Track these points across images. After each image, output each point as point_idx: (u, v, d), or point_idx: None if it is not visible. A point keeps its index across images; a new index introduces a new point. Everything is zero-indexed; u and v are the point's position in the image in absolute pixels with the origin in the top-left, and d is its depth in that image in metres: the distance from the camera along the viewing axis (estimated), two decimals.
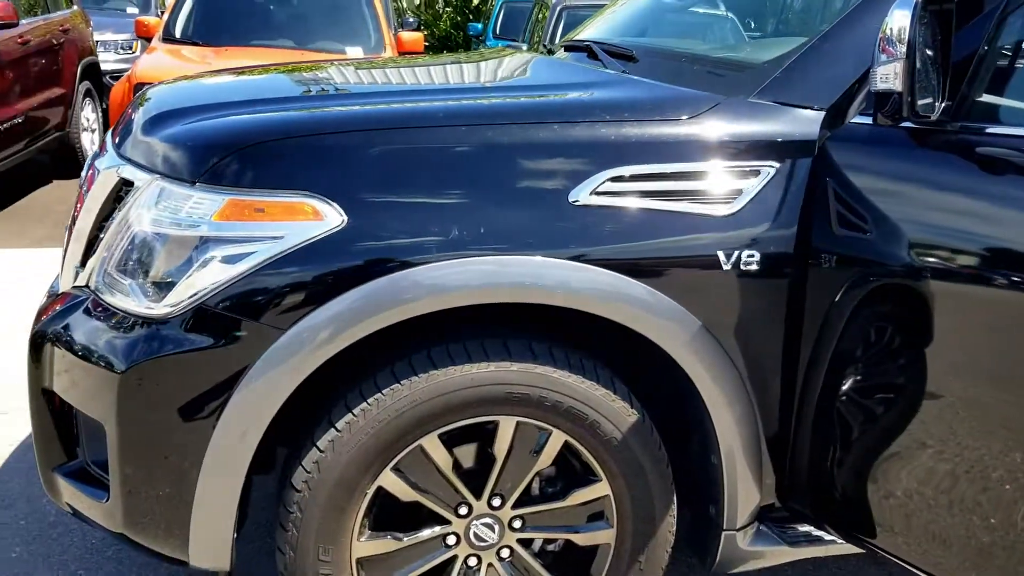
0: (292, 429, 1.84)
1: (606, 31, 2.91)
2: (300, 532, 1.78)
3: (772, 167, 1.82)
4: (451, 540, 1.89)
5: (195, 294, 1.66)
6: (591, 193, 1.76)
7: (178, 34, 6.47)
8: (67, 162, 7.18)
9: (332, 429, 1.75)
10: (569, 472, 1.94)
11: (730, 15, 3.04)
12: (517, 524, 1.92)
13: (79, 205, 2.05)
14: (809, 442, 1.94)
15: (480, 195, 1.73)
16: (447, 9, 17.25)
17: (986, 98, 1.67)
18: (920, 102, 1.59)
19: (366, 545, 1.84)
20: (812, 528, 2.04)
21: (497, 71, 2.46)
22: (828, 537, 2.01)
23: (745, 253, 1.81)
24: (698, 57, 2.30)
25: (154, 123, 1.91)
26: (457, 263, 1.70)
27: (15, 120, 6.05)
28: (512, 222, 1.73)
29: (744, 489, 1.94)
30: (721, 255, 1.80)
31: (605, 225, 1.77)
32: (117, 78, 7.40)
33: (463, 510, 1.88)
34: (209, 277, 1.66)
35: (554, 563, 1.99)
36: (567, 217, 1.75)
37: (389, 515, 1.88)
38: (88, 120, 7.62)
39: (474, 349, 1.78)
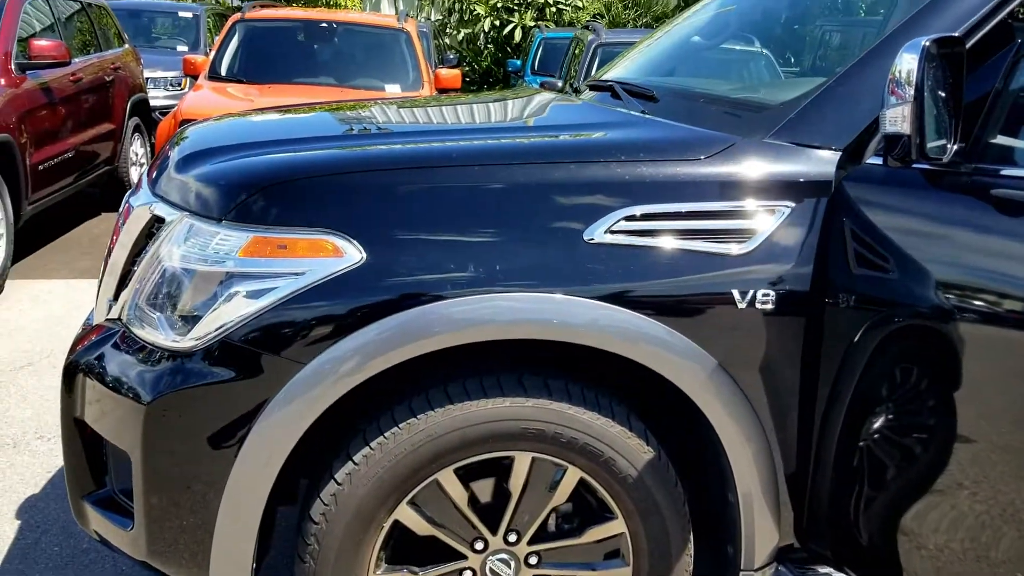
0: (314, 461, 1.88)
1: (634, 70, 2.95)
2: (317, 564, 1.81)
3: (787, 207, 1.84)
4: (467, 575, 1.91)
5: (219, 328, 1.72)
6: (606, 232, 1.79)
7: (223, 72, 6.66)
8: (116, 195, 7.39)
9: (350, 462, 1.79)
10: (585, 509, 1.95)
11: (765, 52, 3.06)
12: (533, 560, 1.93)
13: (114, 239, 2.13)
14: (829, 483, 1.93)
15: (496, 233, 1.76)
16: (488, 46, 17.48)
17: (1000, 140, 1.67)
18: (931, 144, 1.60)
19: None
20: (832, 570, 2.02)
21: (518, 112, 2.51)
22: None
23: (760, 292, 1.82)
24: (717, 98, 2.32)
25: (186, 162, 1.98)
26: (484, 298, 1.73)
27: (66, 154, 6.26)
28: (528, 260, 1.76)
29: (762, 529, 1.94)
30: (736, 294, 1.82)
31: (620, 263, 1.79)
32: (165, 114, 7.62)
33: (479, 545, 1.89)
34: (233, 312, 1.72)
35: None
36: (583, 255, 1.78)
37: (406, 549, 1.90)
38: (136, 155, 7.85)
39: (490, 384, 1.81)
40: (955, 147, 1.63)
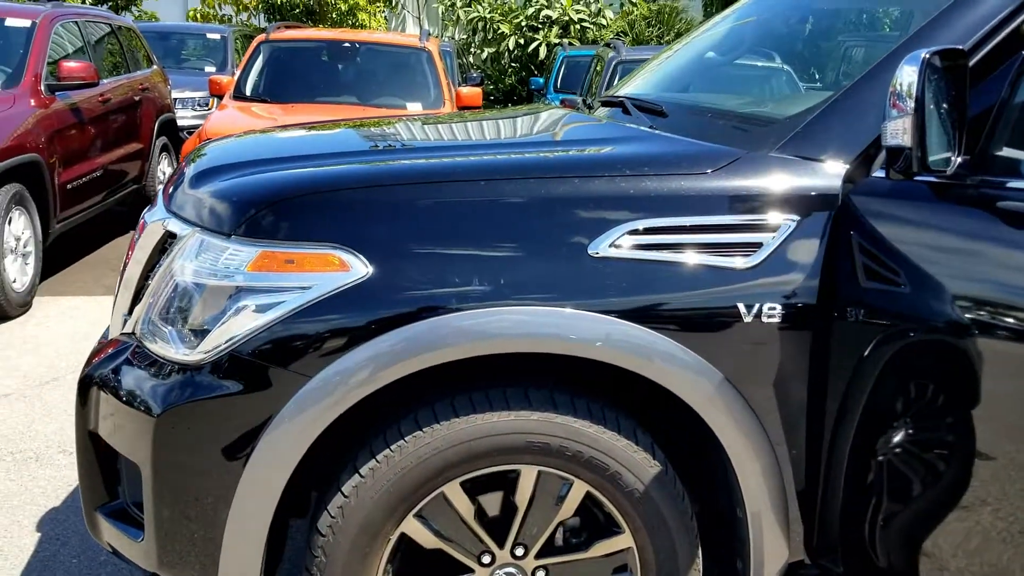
0: (324, 474, 1.90)
1: (648, 86, 2.96)
2: None
3: (793, 220, 1.84)
4: None
5: (227, 341, 1.74)
6: (610, 246, 1.80)
7: (248, 92, 6.75)
8: None
9: (357, 475, 1.80)
10: (593, 523, 1.94)
11: (786, 67, 3.06)
12: (540, 574, 1.93)
13: (130, 254, 2.17)
14: (840, 498, 1.91)
15: (501, 248, 1.78)
16: (513, 64, 17.58)
17: (1006, 152, 1.66)
18: (934, 157, 1.59)
19: None
20: None
21: (526, 128, 2.53)
22: None
23: (767, 306, 1.82)
24: (724, 112, 2.33)
25: (198, 179, 2.01)
26: (499, 311, 1.74)
27: (94, 173, 6.37)
28: (532, 274, 1.77)
29: (771, 545, 1.92)
30: (742, 307, 1.81)
31: (625, 278, 1.80)
32: (192, 133, 7.74)
33: (486, 559, 1.90)
34: (241, 325, 1.74)
35: None
36: (587, 269, 1.79)
37: (413, 562, 1.91)
38: (164, 173, 7.97)
39: (496, 398, 1.82)
40: (959, 159, 1.63)
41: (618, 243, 1.80)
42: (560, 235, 1.80)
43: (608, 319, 1.76)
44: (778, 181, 1.86)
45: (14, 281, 5.11)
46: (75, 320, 5.11)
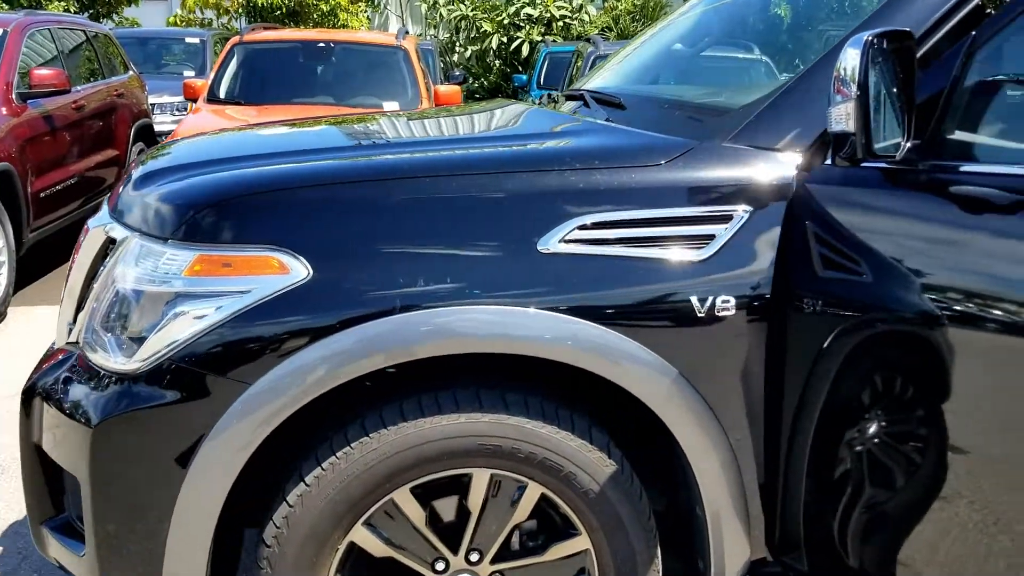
0: (272, 484, 1.85)
1: (616, 78, 2.91)
2: None
3: (746, 211, 1.79)
4: None
5: (164, 348, 1.69)
6: (560, 241, 1.75)
7: (222, 95, 6.69)
8: None
9: (302, 483, 1.75)
10: (549, 526, 1.90)
11: (763, 57, 3.02)
12: None
13: (74, 259, 2.11)
14: (803, 495, 1.87)
15: (447, 246, 1.73)
16: (497, 62, 17.53)
17: (957, 136, 1.62)
18: (882, 143, 1.55)
19: None
20: None
21: (481, 124, 2.48)
22: None
23: (720, 299, 1.77)
24: (682, 103, 2.28)
25: (139, 183, 1.96)
26: (460, 310, 1.69)
27: (68, 181, 6.30)
28: (480, 273, 1.73)
29: (732, 543, 1.88)
30: (695, 301, 1.77)
31: (576, 273, 1.76)
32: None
33: (440, 565, 1.85)
34: (178, 332, 1.69)
35: None
36: (537, 266, 1.74)
37: (365, 571, 1.86)
38: None
39: (445, 400, 1.77)
40: (908, 144, 1.58)
41: (568, 238, 1.75)
42: (508, 232, 1.75)
43: (554, 316, 1.72)
44: (730, 172, 1.82)
45: None
46: (49, 330, 5.04)
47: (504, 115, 2.54)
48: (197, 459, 1.68)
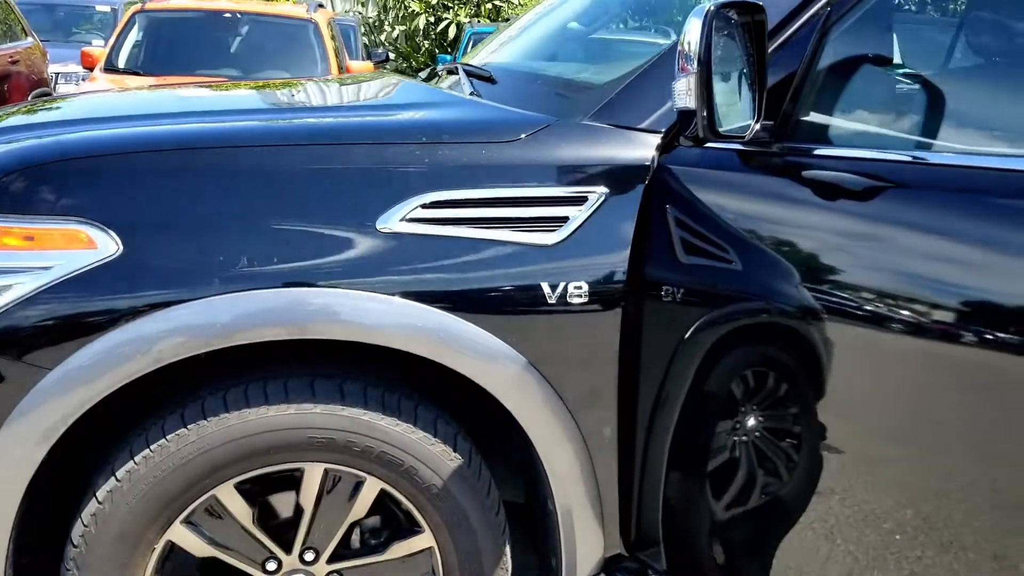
0: (83, 479, 1.70)
1: (503, 54, 2.79)
2: None
3: (602, 193, 1.70)
4: None
5: None
6: (401, 220, 1.63)
7: (121, 64, 6.39)
8: None
9: (113, 479, 1.61)
10: (393, 523, 1.79)
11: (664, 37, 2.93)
12: None
13: None
14: (662, 490, 1.79)
15: (274, 222, 1.60)
16: (425, 42, 17.27)
17: (812, 117, 1.55)
18: (729, 124, 1.46)
19: None
20: None
21: (342, 94, 2.34)
22: None
23: (572, 285, 1.68)
24: (548, 79, 2.18)
25: None
26: (258, 295, 1.57)
27: None
28: (311, 251, 1.60)
29: (585, 539, 1.80)
30: (546, 287, 1.67)
31: (417, 254, 1.64)
32: None
33: (271, 565, 1.72)
34: None
35: None
36: (374, 246, 1.62)
37: (195, 571, 1.73)
38: None
39: (274, 390, 1.64)
40: (758, 125, 1.50)
41: (409, 217, 1.64)
42: (344, 208, 1.63)
43: (389, 300, 1.60)
44: (586, 151, 1.72)
45: None
46: None
47: (370, 88, 2.40)
48: None
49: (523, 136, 1.73)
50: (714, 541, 1.82)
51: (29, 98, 7.24)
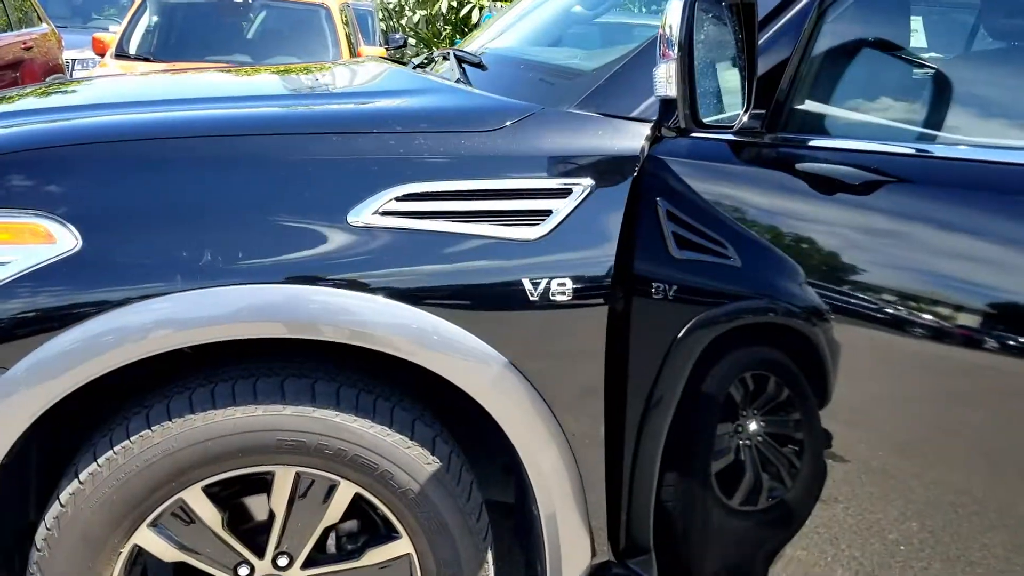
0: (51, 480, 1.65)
1: (509, 39, 2.70)
2: None
3: (588, 185, 1.62)
4: None
5: None
6: (374, 213, 1.56)
7: (132, 51, 6.35)
8: None
9: (76, 481, 1.55)
10: (370, 528, 1.73)
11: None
12: None
13: None
14: (653, 496, 1.71)
15: (237, 216, 1.53)
16: (446, 28, 17.14)
17: (808, 106, 1.45)
18: (716, 113, 1.37)
19: None
20: None
21: (327, 80, 2.27)
22: None
23: (556, 281, 1.60)
24: (537, 65, 2.09)
25: None
26: (230, 290, 1.50)
27: None
28: (278, 246, 1.53)
29: (571, 545, 1.72)
30: (528, 284, 1.59)
31: (391, 249, 1.57)
32: None
33: (244, 571, 1.66)
34: None
35: None
36: (346, 240, 1.55)
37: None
38: None
39: (243, 390, 1.58)
40: (747, 115, 1.41)
41: (384, 210, 1.56)
42: (312, 200, 1.56)
43: (360, 296, 1.53)
44: (571, 140, 1.64)
45: None
46: None
47: (350, 75, 2.33)
48: None
49: (505, 125, 1.65)
50: (708, 550, 1.74)
51: None
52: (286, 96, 2.08)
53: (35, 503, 1.68)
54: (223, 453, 1.56)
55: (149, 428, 1.55)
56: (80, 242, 1.48)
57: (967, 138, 1.44)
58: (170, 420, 1.55)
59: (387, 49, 8.98)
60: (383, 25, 14.20)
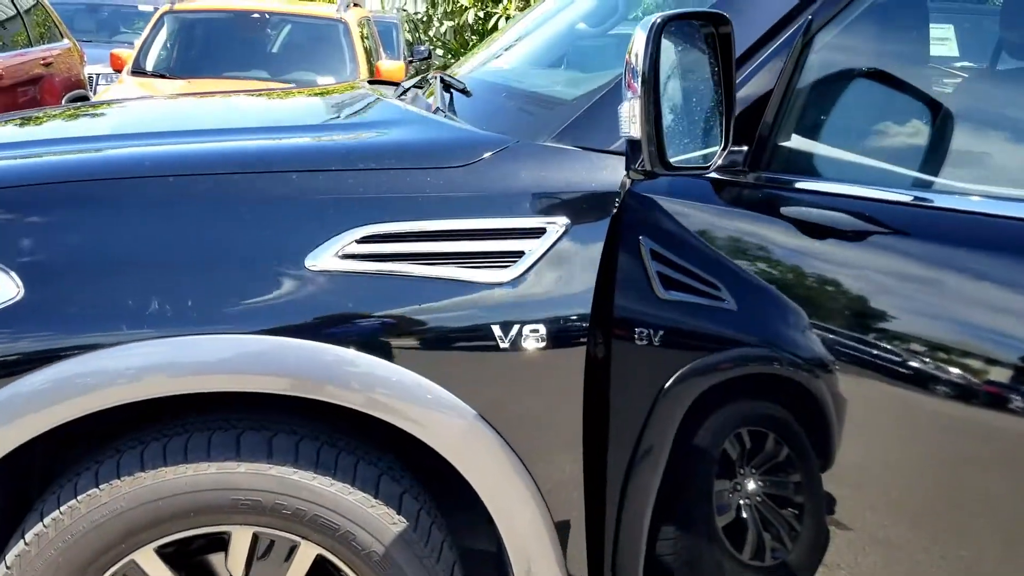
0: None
1: (503, 61, 2.60)
2: None
3: (563, 223, 1.51)
4: None
5: None
6: (334, 256, 1.47)
7: (149, 67, 6.35)
8: None
9: (21, 542, 1.47)
10: None
11: None
12: None
13: None
14: (642, 559, 1.60)
15: (188, 260, 1.45)
16: (474, 38, 17.11)
17: (794, 143, 1.33)
18: (690, 153, 1.25)
19: None
20: None
21: (296, 111, 2.18)
22: None
23: (528, 327, 1.49)
24: (517, 93, 1.97)
25: None
26: (180, 342, 1.42)
27: None
28: (231, 294, 1.45)
29: None
30: (497, 330, 1.49)
31: (352, 295, 1.48)
32: None
33: None
34: None
35: None
36: (303, 286, 1.46)
37: None
38: None
39: (195, 446, 1.49)
40: (723, 155, 1.29)
41: (344, 253, 1.47)
42: (269, 245, 1.47)
43: (311, 346, 1.44)
44: (546, 176, 1.54)
45: None
46: None
47: (331, 104, 2.23)
48: None
49: (475, 160, 1.54)
50: None
51: (63, 101, 7.27)
52: (245, 131, 1.99)
53: None
54: (175, 513, 1.48)
55: (97, 487, 1.46)
56: (22, 290, 1.40)
57: (972, 186, 1.30)
58: (119, 479, 1.46)
59: (410, 61, 8.94)
60: (409, 37, 14.17)
